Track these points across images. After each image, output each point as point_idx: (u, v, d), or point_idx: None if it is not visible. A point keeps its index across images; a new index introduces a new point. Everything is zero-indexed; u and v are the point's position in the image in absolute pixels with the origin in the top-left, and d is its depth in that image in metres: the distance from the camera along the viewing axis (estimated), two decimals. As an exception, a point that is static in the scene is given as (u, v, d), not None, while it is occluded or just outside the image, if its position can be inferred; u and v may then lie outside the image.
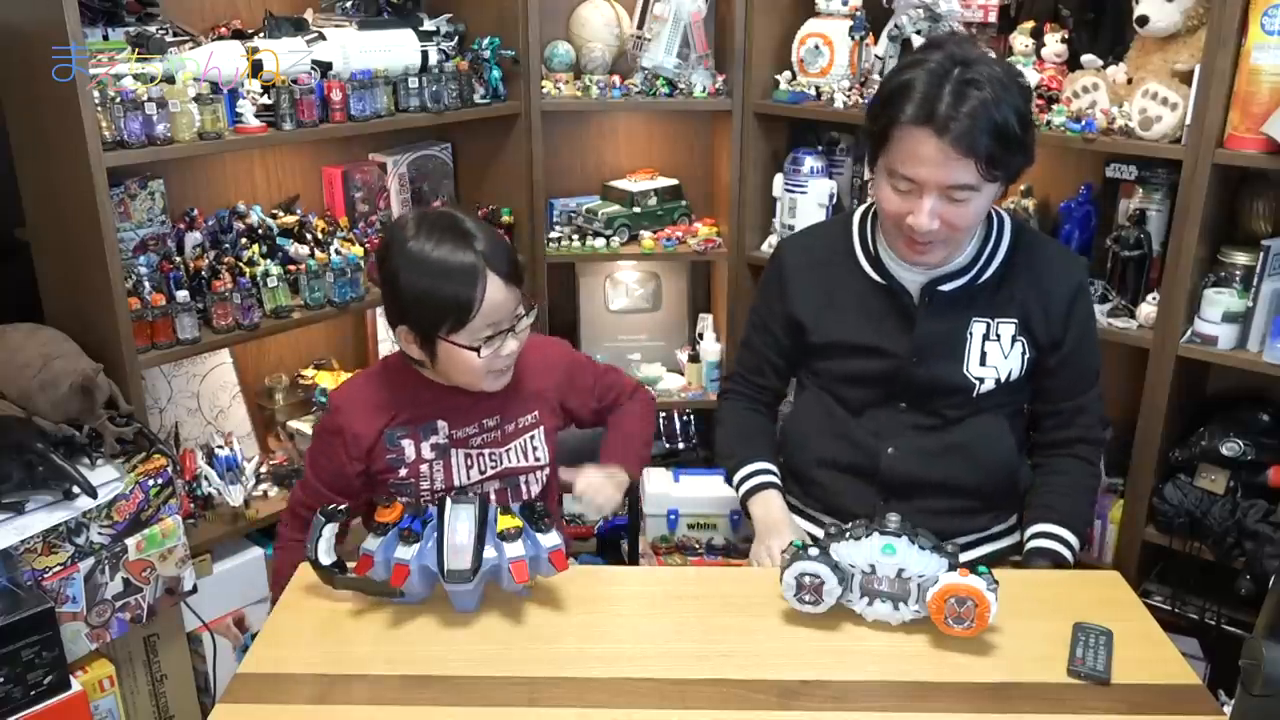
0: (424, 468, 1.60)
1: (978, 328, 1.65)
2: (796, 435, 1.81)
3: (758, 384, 1.86)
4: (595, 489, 1.65)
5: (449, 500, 1.37)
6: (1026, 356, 1.66)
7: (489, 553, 1.34)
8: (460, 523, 1.35)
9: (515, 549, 1.34)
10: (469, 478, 1.62)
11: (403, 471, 1.60)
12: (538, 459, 1.68)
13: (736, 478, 1.79)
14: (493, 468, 1.64)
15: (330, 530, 1.39)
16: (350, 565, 1.41)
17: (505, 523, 1.36)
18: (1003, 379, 1.65)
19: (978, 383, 1.65)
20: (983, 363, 1.65)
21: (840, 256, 1.72)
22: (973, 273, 1.64)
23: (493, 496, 1.63)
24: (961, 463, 1.67)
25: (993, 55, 1.56)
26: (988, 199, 1.54)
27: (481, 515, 1.35)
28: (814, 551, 1.33)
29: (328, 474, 1.61)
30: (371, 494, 1.62)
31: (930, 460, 1.67)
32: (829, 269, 1.72)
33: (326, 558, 1.39)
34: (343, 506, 1.41)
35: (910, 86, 1.48)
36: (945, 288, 1.64)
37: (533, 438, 1.68)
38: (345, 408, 1.61)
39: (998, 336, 1.65)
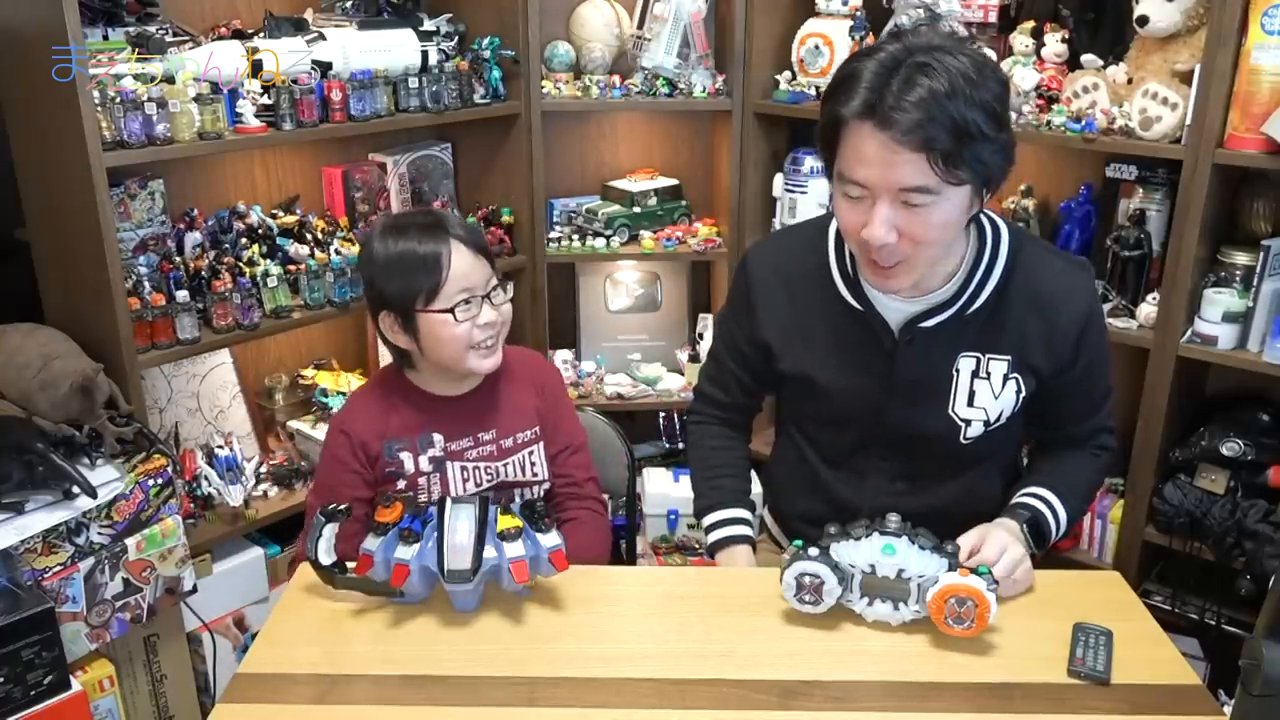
0: (421, 480, 1.62)
1: (965, 364, 1.46)
2: (777, 482, 1.71)
3: (723, 402, 1.68)
4: None
5: (449, 500, 1.37)
6: (1021, 395, 1.48)
7: (489, 553, 1.34)
8: (460, 523, 1.35)
9: (515, 549, 1.34)
10: (464, 490, 1.63)
11: (401, 484, 1.61)
12: (536, 474, 1.68)
13: (704, 523, 1.64)
14: (489, 481, 1.65)
15: (330, 530, 1.39)
16: (350, 565, 1.41)
17: (505, 523, 1.36)
18: (992, 420, 1.48)
19: (964, 425, 1.48)
20: (970, 403, 1.47)
21: (813, 274, 1.50)
22: (961, 302, 1.43)
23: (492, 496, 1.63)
24: (948, 529, 1.42)
25: (973, 45, 1.33)
26: (955, 207, 1.30)
27: (481, 515, 1.36)
28: (814, 551, 1.33)
29: (343, 491, 1.59)
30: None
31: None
32: (800, 288, 1.52)
33: (326, 558, 1.39)
34: (343, 506, 1.41)
35: (856, 77, 1.27)
36: (928, 324, 1.43)
37: (532, 453, 1.68)
38: (348, 417, 1.66)
39: (988, 374, 1.46)
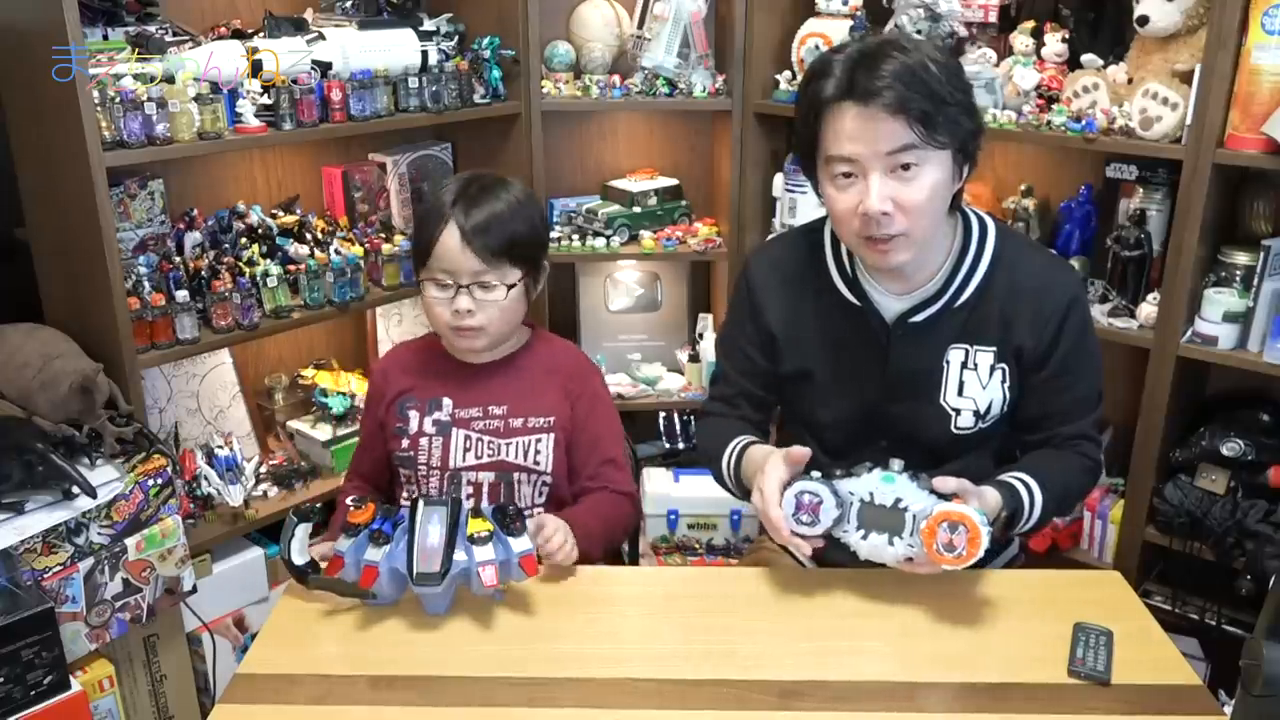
0: (424, 441, 1.64)
1: (955, 355, 1.51)
2: None
3: (735, 416, 1.65)
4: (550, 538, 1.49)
5: (421, 502, 1.38)
6: (1007, 385, 1.52)
7: (458, 556, 1.33)
8: (431, 525, 1.35)
9: (485, 553, 1.34)
10: (464, 460, 1.64)
11: (404, 442, 1.65)
12: (538, 464, 1.66)
13: (723, 463, 1.57)
14: (490, 456, 1.65)
15: (303, 531, 1.40)
16: (323, 565, 1.41)
17: (476, 526, 1.35)
18: (981, 411, 1.52)
19: (954, 414, 1.52)
20: (960, 393, 1.52)
21: (811, 273, 1.57)
22: (948, 295, 1.49)
23: (485, 489, 1.65)
24: None
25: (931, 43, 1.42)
26: (941, 173, 1.38)
27: (452, 518, 1.35)
28: (816, 474, 1.36)
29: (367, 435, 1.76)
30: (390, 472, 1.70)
31: None
32: (799, 287, 1.57)
33: (299, 558, 1.39)
34: (317, 505, 1.42)
35: (829, 65, 1.39)
36: (919, 318, 1.50)
37: (539, 440, 1.66)
38: (384, 360, 1.81)
39: (975, 365, 1.51)
